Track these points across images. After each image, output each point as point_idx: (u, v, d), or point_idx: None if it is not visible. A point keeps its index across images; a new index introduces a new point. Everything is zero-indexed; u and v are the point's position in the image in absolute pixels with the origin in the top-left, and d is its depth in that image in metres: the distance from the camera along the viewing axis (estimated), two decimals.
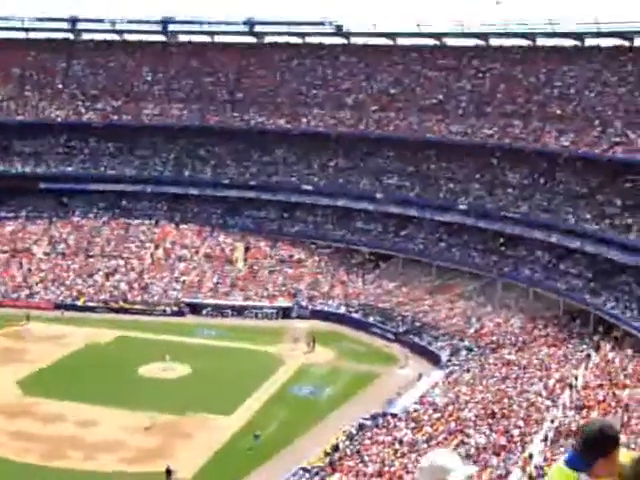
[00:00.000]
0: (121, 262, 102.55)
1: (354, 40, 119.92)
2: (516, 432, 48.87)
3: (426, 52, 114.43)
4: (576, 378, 58.99)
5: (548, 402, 54.47)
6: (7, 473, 51.66)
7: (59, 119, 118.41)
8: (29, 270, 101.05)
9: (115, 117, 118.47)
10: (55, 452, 55.08)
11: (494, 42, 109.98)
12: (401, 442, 48.53)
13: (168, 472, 50.52)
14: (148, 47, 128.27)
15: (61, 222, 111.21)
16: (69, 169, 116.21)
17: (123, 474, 52.14)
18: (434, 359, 75.51)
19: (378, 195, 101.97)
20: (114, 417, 61.22)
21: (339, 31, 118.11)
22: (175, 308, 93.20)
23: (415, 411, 55.79)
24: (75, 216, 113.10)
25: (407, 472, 42.54)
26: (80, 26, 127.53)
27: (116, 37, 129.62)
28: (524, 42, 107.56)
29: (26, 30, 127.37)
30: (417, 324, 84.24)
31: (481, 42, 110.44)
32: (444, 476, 6.97)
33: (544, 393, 56.54)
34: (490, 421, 51.06)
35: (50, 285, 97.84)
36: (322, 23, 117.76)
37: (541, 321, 79.21)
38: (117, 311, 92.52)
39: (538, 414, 52.01)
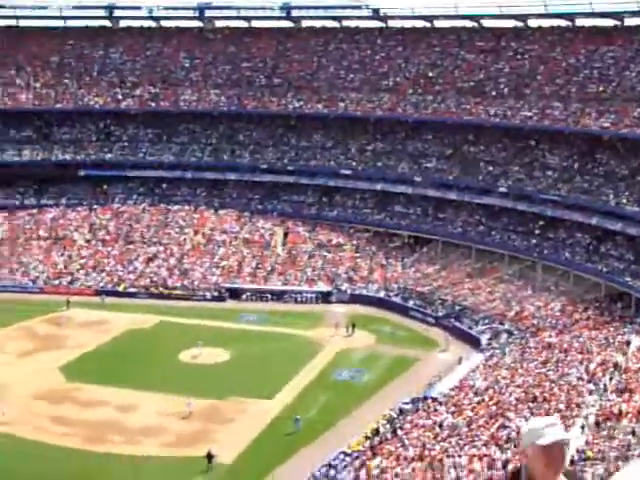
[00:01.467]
0: (161, 248, 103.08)
1: (391, 23, 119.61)
2: (557, 416, 48.65)
3: (464, 34, 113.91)
4: (617, 361, 58.54)
5: (590, 386, 54.15)
6: (50, 457, 52.19)
7: (98, 106, 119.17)
8: (70, 257, 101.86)
9: (153, 104, 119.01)
10: (97, 436, 55.59)
11: (532, 23, 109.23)
12: (441, 426, 48.50)
13: (209, 456, 50.81)
14: (185, 33, 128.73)
15: (101, 209, 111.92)
16: (108, 156, 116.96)
17: (164, 458, 52.58)
18: (474, 343, 75.34)
19: (417, 178, 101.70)
20: (155, 402, 61.71)
21: (376, 14, 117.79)
22: (215, 293, 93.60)
23: (455, 395, 55.68)
24: (115, 203, 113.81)
25: (447, 456, 42.52)
26: (117, 13, 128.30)
27: (153, 24, 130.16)
28: (563, 23, 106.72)
29: (64, 18, 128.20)
30: (457, 308, 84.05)
31: (519, 23, 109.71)
32: (538, 437, 7.32)
33: (585, 377, 56.21)
34: (531, 405, 50.85)
35: (91, 271, 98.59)
36: (359, 7, 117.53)
37: (582, 304, 78.68)
38: (157, 297, 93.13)
39: (579, 398, 51.73)
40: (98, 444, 54.35)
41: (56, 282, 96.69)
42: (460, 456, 42.19)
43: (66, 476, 49.38)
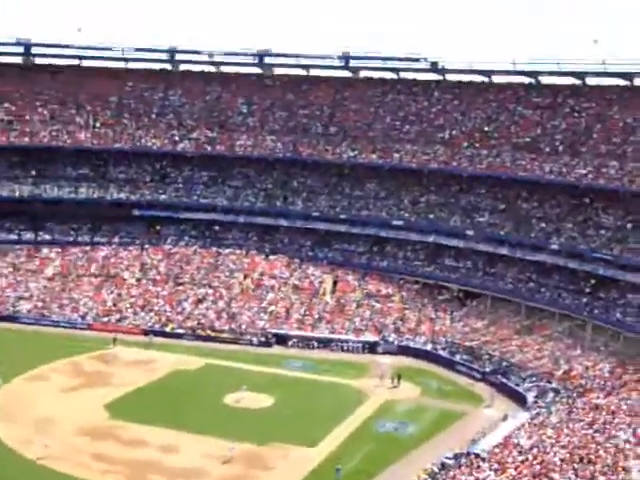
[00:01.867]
0: (210, 290, 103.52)
1: (449, 77, 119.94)
2: (602, 479, 47.88)
3: (521, 90, 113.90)
4: None
5: (638, 449, 53.24)
6: None
7: (155, 147, 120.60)
8: (120, 295, 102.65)
9: (209, 147, 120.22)
10: (137, 476, 55.67)
11: (590, 81, 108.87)
12: None
13: None
14: (244, 79, 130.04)
15: (153, 249, 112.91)
16: (162, 197, 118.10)
17: None
18: (520, 400, 74.47)
19: (468, 232, 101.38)
20: (197, 444, 61.71)
21: (434, 67, 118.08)
22: (262, 338, 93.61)
23: (499, 452, 55.01)
24: (167, 243, 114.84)
25: None
26: (178, 57, 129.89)
27: (213, 69, 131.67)
28: (621, 82, 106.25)
29: (125, 60, 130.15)
30: (504, 364, 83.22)
31: (577, 81, 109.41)
32: None
33: (632, 440, 55.32)
34: (576, 466, 50.07)
35: (140, 311, 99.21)
36: (417, 59, 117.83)
37: (631, 365, 77.45)
38: (204, 339, 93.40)
39: (626, 461, 50.87)
40: None
41: (105, 319, 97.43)
42: None
43: None
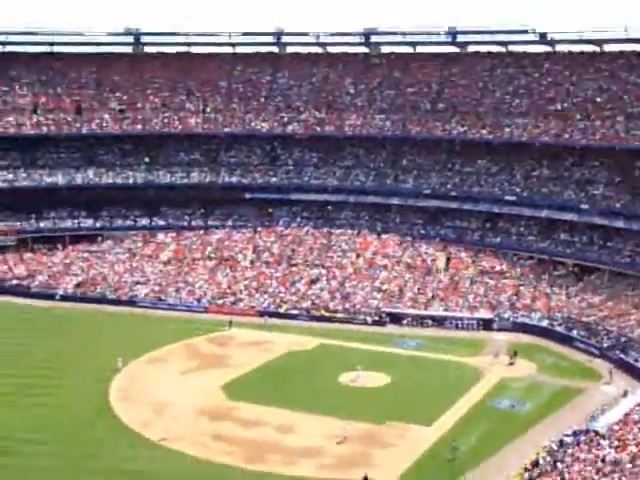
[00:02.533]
0: (323, 271, 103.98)
1: (559, 47, 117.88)
2: None
3: (634, 58, 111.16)
4: None
5: None
6: (209, 474, 53.16)
7: (264, 130, 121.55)
8: (234, 277, 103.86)
9: (318, 128, 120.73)
10: (255, 455, 56.29)
11: None
12: (604, 461, 47.13)
13: None
14: (351, 59, 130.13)
15: (265, 231, 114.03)
16: (273, 179, 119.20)
17: None
18: None
19: (583, 206, 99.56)
20: (313, 423, 62.08)
21: (543, 39, 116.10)
22: (376, 317, 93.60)
23: (619, 429, 54.00)
24: (279, 225, 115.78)
25: None
26: (285, 39, 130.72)
27: (319, 50, 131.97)
28: None
29: (233, 45, 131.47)
30: (623, 339, 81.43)
31: None
32: None
33: None
34: None
35: (254, 292, 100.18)
36: (525, 31, 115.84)
37: None
38: (318, 319, 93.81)
39: None
40: (257, 463, 55.02)
41: (220, 302, 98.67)
42: None
43: None
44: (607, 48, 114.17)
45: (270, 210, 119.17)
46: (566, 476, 45.36)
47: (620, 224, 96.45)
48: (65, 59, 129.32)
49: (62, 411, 63.91)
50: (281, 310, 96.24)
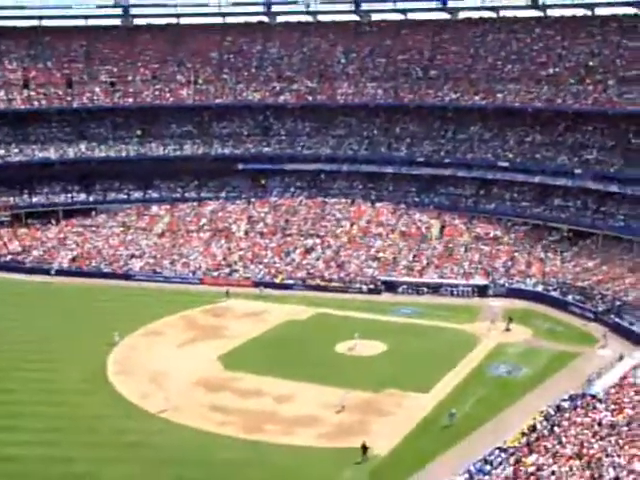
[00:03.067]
0: (318, 240, 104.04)
1: (550, 12, 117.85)
2: None
3: (626, 21, 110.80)
4: None
5: None
6: (208, 444, 53.35)
7: (256, 101, 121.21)
8: (229, 249, 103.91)
9: (310, 98, 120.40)
10: (253, 425, 56.52)
11: None
12: (600, 424, 47.37)
13: (364, 448, 51.02)
14: (341, 27, 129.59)
15: (259, 202, 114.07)
16: (266, 150, 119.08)
17: (321, 449, 52.99)
18: (635, 339, 73.07)
19: (577, 171, 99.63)
20: (311, 393, 62.28)
21: (534, 3, 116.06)
22: (371, 286, 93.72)
23: (615, 393, 54.24)
24: (272, 196, 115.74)
25: (606, 455, 41.49)
26: (275, 9, 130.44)
27: (310, 18, 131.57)
28: None
29: (223, 15, 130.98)
30: (618, 303, 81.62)
31: None
32: None
33: None
34: None
35: (249, 263, 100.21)
36: None
37: None
38: (314, 288, 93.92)
39: None
40: (255, 433, 55.26)
41: (215, 273, 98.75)
42: (620, 456, 41.12)
43: (226, 464, 50.36)
44: (599, 12, 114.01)
45: (263, 181, 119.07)
46: (563, 440, 45.58)
47: (614, 188, 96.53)
48: (54, 33, 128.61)
49: (60, 385, 64.08)
50: (277, 280, 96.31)
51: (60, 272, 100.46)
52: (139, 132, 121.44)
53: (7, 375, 66.38)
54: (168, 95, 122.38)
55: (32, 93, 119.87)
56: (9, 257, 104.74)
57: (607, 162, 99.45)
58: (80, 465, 50.11)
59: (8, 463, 50.57)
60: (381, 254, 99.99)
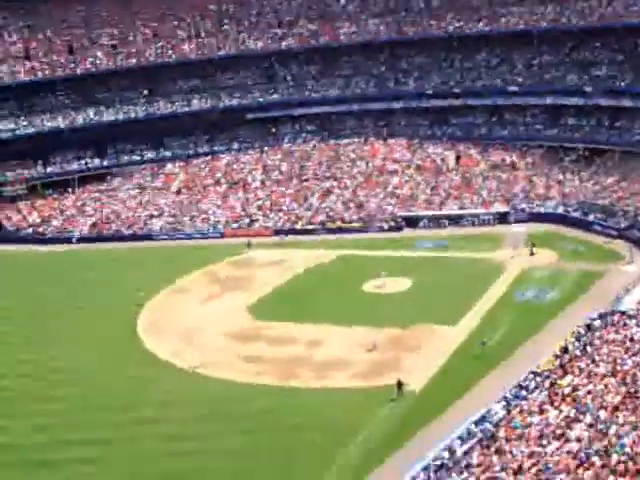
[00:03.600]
0: (334, 183, 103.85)
1: None
2: None
3: None
4: None
5: None
6: (243, 395, 53.63)
7: (259, 49, 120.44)
8: (247, 200, 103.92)
9: (313, 40, 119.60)
10: (288, 372, 56.77)
11: None
12: (632, 340, 47.32)
13: (399, 384, 51.24)
14: None
15: (272, 150, 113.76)
16: (274, 97, 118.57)
17: (355, 390, 53.21)
18: None
19: (587, 88, 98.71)
20: (342, 335, 62.46)
21: None
22: (392, 223, 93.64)
23: None
24: (285, 143, 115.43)
25: None
26: None
27: None
28: None
29: None
30: None
31: None
32: None
33: None
34: None
35: (268, 212, 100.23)
36: None
37: None
38: (335, 231, 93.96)
39: None
40: (290, 379, 55.53)
41: (235, 225, 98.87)
42: None
43: (264, 412, 50.70)
44: None
45: (274, 130, 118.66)
46: (596, 358, 45.61)
47: (627, 103, 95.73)
48: (51, 1, 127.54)
49: (91, 350, 64.32)
50: (297, 226, 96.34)
51: (82, 239, 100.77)
52: (145, 92, 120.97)
53: (36, 335, 67.10)
54: (170, 52, 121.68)
55: (35, 64, 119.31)
56: (30, 229, 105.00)
57: (617, 77, 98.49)
58: (115, 428, 50.47)
59: (44, 417, 51.43)
60: (399, 190, 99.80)
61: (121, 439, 48.73)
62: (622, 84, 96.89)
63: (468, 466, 37.39)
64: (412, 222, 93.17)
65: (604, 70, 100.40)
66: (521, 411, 41.60)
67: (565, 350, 49.77)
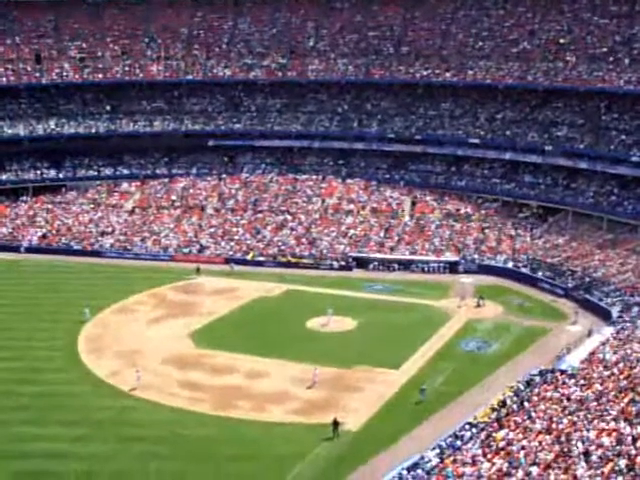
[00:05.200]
0: (289, 217, 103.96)
1: None
2: None
3: None
4: None
5: None
6: (180, 421, 53.32)
7: (226, 77, 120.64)
8: (200, 226, 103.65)
9: (281, 74, 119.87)
10: (225, 402, 56.52)
11: None
12: (569, 399, 47.69)
13: (335, 424, 51.14)
14: (312, 3, 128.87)
15: (230, 178, 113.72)
16: (237, 126, 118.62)
17: (292, 425, 53.08)
18: (605, 315, 73.64)
19: (547, 147, 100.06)
20: (282, 369, 62.37)
21: None
22: (342, 262, 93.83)
23: (585, 368, 54.67)
24: (243, 172, 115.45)
25: (575, 430, 41.81)
26: None
27: None
28: None
29: None
30: (587, 279, 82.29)
31: None
32: None
33: None
34: None
35: (220, 240, 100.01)
36: None
37: None
38: (285, 265, 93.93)
39: None
40: (227, 409, 55.27)
41: (186, 250, 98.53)
42: (589, 430, 41.43)
43: (197, 440, 50.39)
44: None
45: (234, 157, 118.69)
46: (533, 415, 45.86)
47: (584, 165, 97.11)
48: (22, 7, 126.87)
49: (30, 363, 63.64)
50: (248, 257, 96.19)
51: (30, 249, 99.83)
52: (109, 108, 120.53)
53: None
54: (138, 71, 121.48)
55: (0, 69, 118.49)
56: None
57: (577, 139, 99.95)
58: (50, 443, 49.87)
59: None
60: (352, 231, 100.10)
61: (50, 453, 48.32)
62: (581, 146, 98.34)
63: None
64: (363, 263, 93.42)
65: (564, 131, 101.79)
66: (454, 461, 41.64)
67: (503, 404, 50.04)
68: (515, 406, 49.03)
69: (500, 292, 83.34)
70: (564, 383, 51.48)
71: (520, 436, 42.80)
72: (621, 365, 53.41)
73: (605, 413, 43.64)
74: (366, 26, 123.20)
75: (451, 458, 42.34)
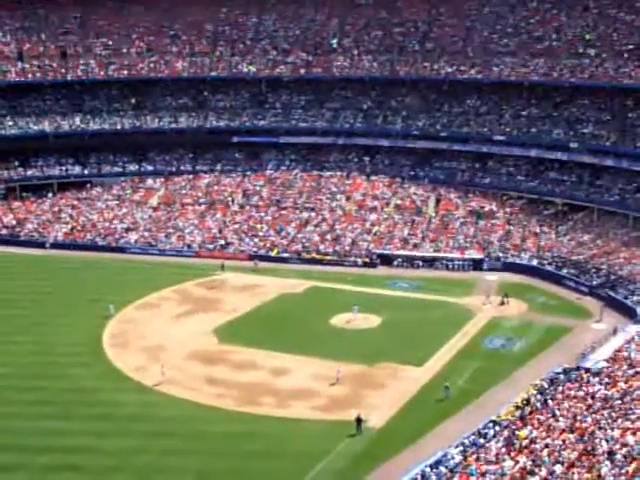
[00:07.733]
0: (313, 214, 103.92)
1: None
2: None
3: None
4: None
5: None
6: (204, 417, 53.53)
7: (251, 74, 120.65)
8: (224, 222, 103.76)
9: (306, 70, 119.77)
10: (248, 398, 56.68)
11: None
12: (593, 397, 47.53)
13: (358, 421, 51.19)
14: (337, 0, 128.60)
15: (254, 175, 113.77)
16: (262, 123, 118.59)
17: (315, 421, 53.17)
18: (629, 313, 73.20)
19: (572, 144, 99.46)
20: (306, 366, 62.43)
21: None
22: (366, 259, 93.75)
23: (609, 366, 54.42)
24: (268, 169, 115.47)
25: (599, 428, 41.64)
26: None
27: None
28: None
29: None
30: (612, 277, 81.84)
31: None
32: None
33: None
34: None
35: (244, 236, 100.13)
36: None
37: None
38: (309, 262, 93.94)
39: None
40: (250, 406, 55.40)
41: (210, 246, 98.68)
42: (613, 429, 41.28)
43: (221, 436, 50.53)
44: None
45: (259, 154, 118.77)
46: (557, 413, 45.73)
47: (609, 162, 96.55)
48: (49, 4, 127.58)
49: (56, 358, 64.10)
50: (272, 254, 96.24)
51: (55, 245, 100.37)
52: (134, 104, 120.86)
53: (2, 349, 66.47)
54: (163, 67, 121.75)
55: (26, 65, 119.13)
56: (4, 230, 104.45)
57: (603, 136, 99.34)
58: (77, 438, 50.19)
59: (3, 435, 50.78)
60: (376, 227, 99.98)
61: (76, 448, 48.55)
62: (607, 143, 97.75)
63: None
64: (387, 260, 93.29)
65: (590, 128, 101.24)
66: (478, 458, 41.59)
67: (527, 402, 49.89)
68: (539, 404, 48.90)
69: (524, 290, 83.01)
70: (588, 381, 51.30)
71: (544, 434, 42.70)
72: None
73: (629, 412, 43.47)
74: (391, 22, 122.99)
75: (474, 456, 42.31)
